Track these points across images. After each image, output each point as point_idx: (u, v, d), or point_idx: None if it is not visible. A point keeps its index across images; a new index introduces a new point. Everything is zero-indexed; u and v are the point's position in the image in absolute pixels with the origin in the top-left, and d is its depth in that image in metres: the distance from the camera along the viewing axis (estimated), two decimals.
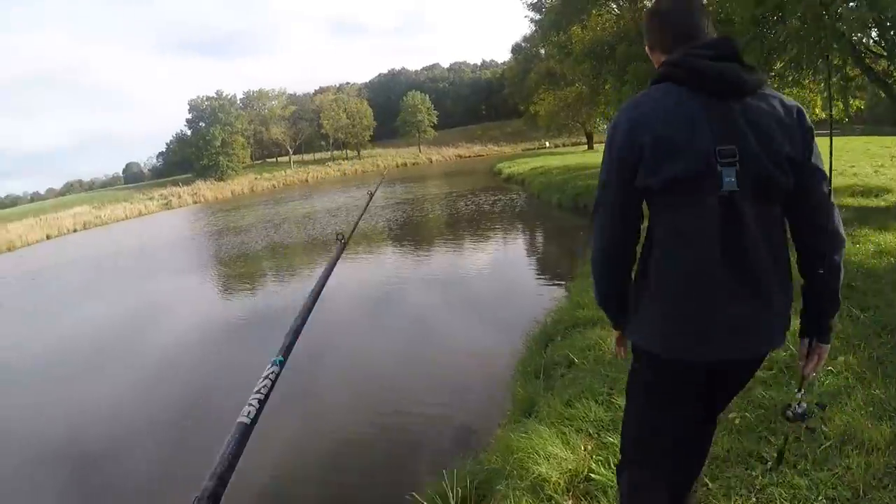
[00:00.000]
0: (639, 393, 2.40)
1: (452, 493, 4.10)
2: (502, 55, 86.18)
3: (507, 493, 3.73)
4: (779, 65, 12.95)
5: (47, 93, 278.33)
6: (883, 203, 11.88)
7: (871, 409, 3.82)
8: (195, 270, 19.92)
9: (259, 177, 75.87)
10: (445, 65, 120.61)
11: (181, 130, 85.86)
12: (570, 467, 3.78)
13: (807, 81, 16.61)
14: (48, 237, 43.62)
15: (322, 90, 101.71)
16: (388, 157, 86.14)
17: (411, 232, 21.79)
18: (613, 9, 26.17)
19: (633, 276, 2.30)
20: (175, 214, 51.38)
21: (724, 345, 2.07)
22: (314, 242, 22.22)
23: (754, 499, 3.16)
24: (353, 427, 6.89)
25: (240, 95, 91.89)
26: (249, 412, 1.19)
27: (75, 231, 46.85)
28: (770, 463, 3.34)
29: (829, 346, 2.31)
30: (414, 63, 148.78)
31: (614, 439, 3.87)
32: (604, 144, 2.27)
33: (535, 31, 43.04)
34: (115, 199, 65.75)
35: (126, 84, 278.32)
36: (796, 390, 2.56)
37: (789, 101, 2.09)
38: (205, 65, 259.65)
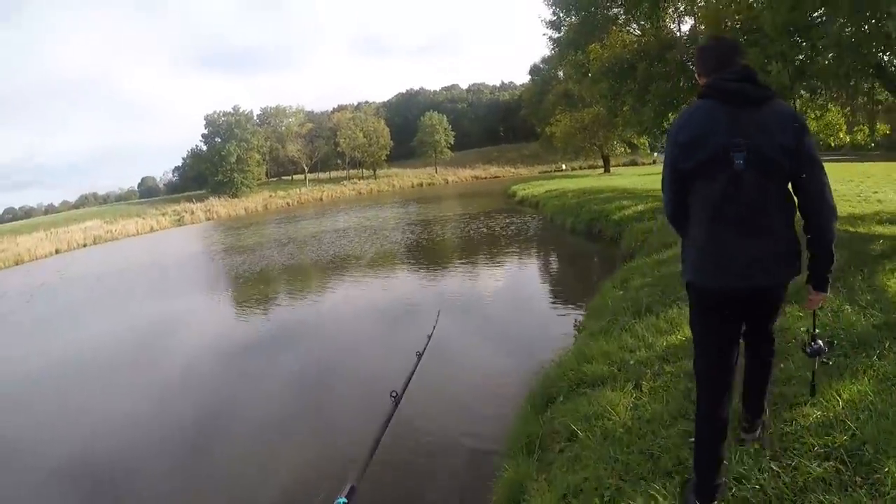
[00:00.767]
0: (691, 317, 3.41)
1: None
2: (521, 77, 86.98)
3: None
4: (803, 86, 11.92)
5: (68, 105, 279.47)
6: None
7: None
8: (185, 294, 19.44)
9: (273, 194, 75.26)
10: (464, 86, 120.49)
11: (196, 145, 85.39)
12: None
13: (831, 105, 15.92)
14: (57, 251, 43.13)
15: (340, 108, 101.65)
16: (405, 176, 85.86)
17: (416, 256, 20.89)
18: (634, 29, 25.22)
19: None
20: (186, 231, 50.95)
21: (740, 275, 3.03)
22: (313, 265, 21.53)
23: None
24: None
25: (256, 111, 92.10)
26: None
27: (85, 246, 46.46)
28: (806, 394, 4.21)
29: (827, 293, 3.23)
30: (433, 83, 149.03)
31: None
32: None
33: (553, 49, 42.33)
34: (128, 213, 65.83)
35: (146, 97, 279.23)
36: (813, 331, 3.51)
37: (787, 107, 3.20)
38: (224, 80, 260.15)
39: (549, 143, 58.87)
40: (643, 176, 38.62)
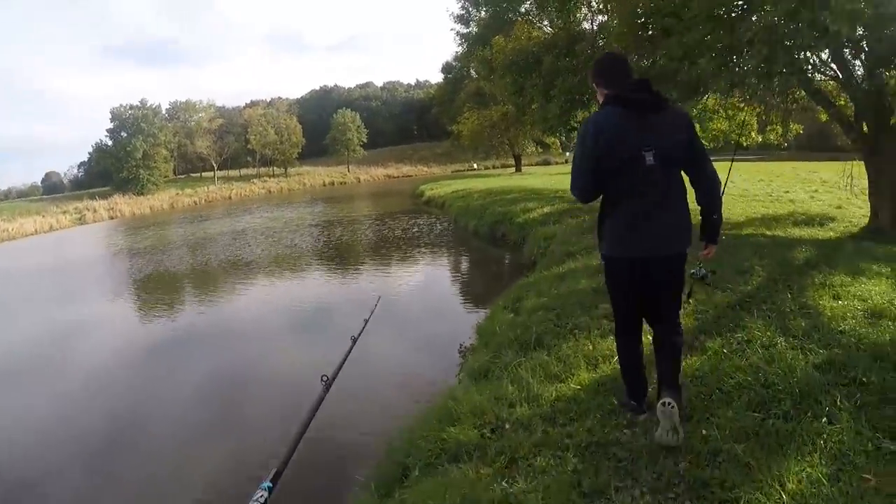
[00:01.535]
0: (608, 285, 4.24)
1: None
2: (436, 76, 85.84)
3: None
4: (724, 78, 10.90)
5: None
6: (832, 234, 11.36)
7: None
8: (85, 300, 17.67)
9: (181, 192, 71.84)
10: (379, 83, 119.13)
11: (101, 140, 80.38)
12: None
13: (743, 105, 15.37)
14: None
15: (252, 104, 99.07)
16: (316, 175, 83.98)
17: (305, 263, 19.40)
18: (545, 25, 24.13)
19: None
20: (86, 231, 48.07)
21: (648, 246, 3.81)
22: (200, 271, 19.92)
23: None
24: None
25: (165, 106, 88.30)
26: None
27: None
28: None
29: (717, 245, 4.21)
30: (349, 81, 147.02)
31: None
32: (576, 142, 4.00)
33: (461, 45, 41.15)
34: (28, 211, 61.55)
35: (55, 89, 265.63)
36: (699, 264, 5.33)
37: (679, 110, 4.19)
38: (137, 72, 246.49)
39: (460, 142, 57.48)
40: (553, 176, 37.68)
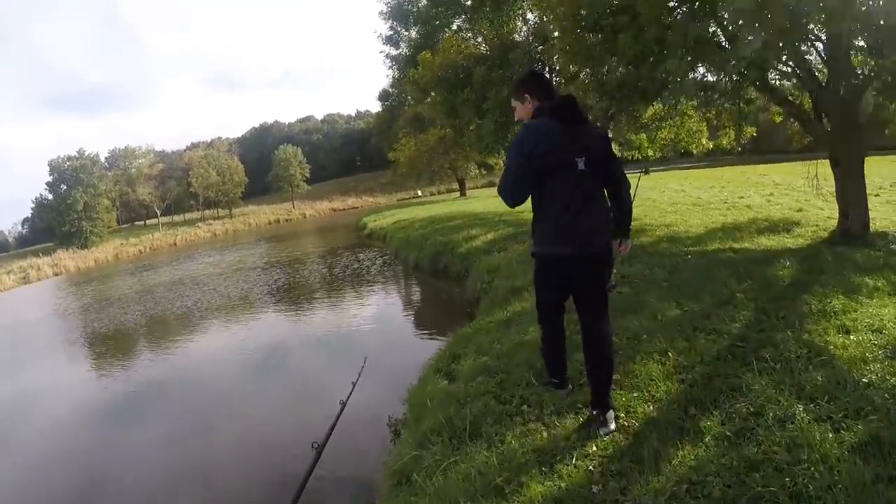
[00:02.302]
0: (536, 279, 4.47)
1: None
2: (377, 105, 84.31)
3: None
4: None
5: None
6: (802, 240, 10.17)
7: None
8: (34, 365, 15.97)
9: (125, 242, 68.71)
10: (320, 116, 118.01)
11: (41, 194, 77.03)
12: None
13: (691, 111, 14.44)
14: None
15: (193, 146, 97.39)
16: (261, 213, 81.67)
17: (239, 310, 17.83)
18: (478, 40, 22.81)
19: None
20: (29, 291, 45.15)
21: (575, 244, 4.04)
22: (129, 328, 18.29)
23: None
24: None
25: (105, 154, 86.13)
26: None
27: None
28: None
29: (630, 241, 4.55)
30: (288, 116, 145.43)
31: None
32: (510, 148, 4.16)
33: (391, 67, 39.54)
34: None
35: None
36: (613, 277, 5.24)
37: (594, 126, 4.84)
38: (74, 121, 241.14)
39: (399, 170, 55.63)
40: (497, 198, 35.77)
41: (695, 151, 18.07)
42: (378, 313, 14.36)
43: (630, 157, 32.91)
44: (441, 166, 50.75)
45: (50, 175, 75.34)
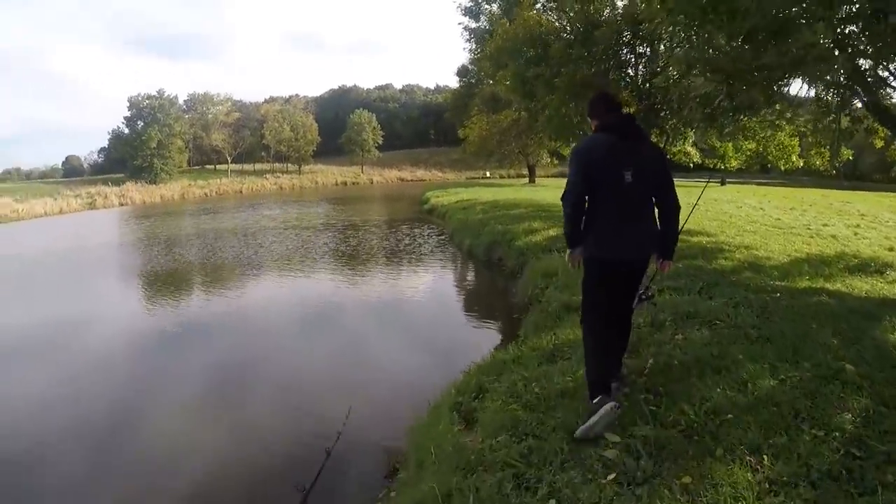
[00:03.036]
0: (586, 282, 4.57)
1: None
2: (455, 81, 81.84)
3: None
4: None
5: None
6: None
7: None
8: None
9: (193, 183, 70.22)
10: (398, 86, 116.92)
11: (118, 127, 78.87)
12: None
13: (784, 124, 12.84)
14: None
15: (270, 100, 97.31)
16: (329, 173, 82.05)
17: (275, 270, 17.28)
18: (561, 18, 21.43)
19: (582, 223, 4.40)
20: (93, 216, 46.59)
21: (624, 250, 4.33)
22: (170, 275, 17.83)
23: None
24: None
25: (184, 97, 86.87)
26: None
27: None
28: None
29: (672, 261, 4.63)
30: (367, 82, 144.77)
31: None
32: (569, 160, 4.55)
33: (469, 40, 37.92)
34: (41, 192, 60.12)
35: (79, 74, 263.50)
36: (650, 285, 5.01)
37: (654, 143, 5.08)
38: (159, 63, 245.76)
39: (467, 148, 54.08)
40: None
41: (783, 168, 16.45)
42: (417, 300, 13.17)
43: (713, 165, 31.31)
44: (512, 150, 49.30)
45: (129, 110, 76.79)
